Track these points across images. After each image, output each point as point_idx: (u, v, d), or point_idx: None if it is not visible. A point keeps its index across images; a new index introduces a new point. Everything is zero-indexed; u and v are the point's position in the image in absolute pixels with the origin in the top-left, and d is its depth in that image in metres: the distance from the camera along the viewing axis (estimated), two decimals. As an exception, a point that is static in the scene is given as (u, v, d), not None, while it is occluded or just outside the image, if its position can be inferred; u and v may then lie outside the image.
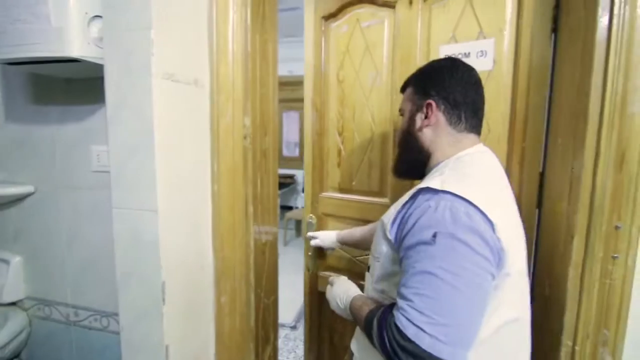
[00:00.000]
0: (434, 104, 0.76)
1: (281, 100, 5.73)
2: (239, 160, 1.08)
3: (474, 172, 0.68)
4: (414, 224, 0.62)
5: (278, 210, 1.39)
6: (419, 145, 0.79)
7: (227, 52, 1.07)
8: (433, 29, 1.24)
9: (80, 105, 1.24)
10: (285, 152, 6.11)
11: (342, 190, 1.51)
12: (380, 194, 1.42)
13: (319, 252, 1.58)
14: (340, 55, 1.46)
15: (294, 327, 2.78)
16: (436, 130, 0.76)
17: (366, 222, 1.37)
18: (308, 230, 1.58)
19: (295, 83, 5.77)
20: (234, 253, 1.10)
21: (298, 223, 5.09)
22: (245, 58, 1.10)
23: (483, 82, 0.82)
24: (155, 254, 0.93)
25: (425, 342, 0.55)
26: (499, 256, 0.59)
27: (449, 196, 0.60)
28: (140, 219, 0.94)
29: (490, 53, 1.17)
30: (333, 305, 0.91)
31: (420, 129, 0.78)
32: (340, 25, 1.46)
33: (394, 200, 0.99)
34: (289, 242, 4.67)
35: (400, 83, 0.94)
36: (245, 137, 1.09)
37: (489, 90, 0.91)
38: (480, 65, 1.17)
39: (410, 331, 0.56)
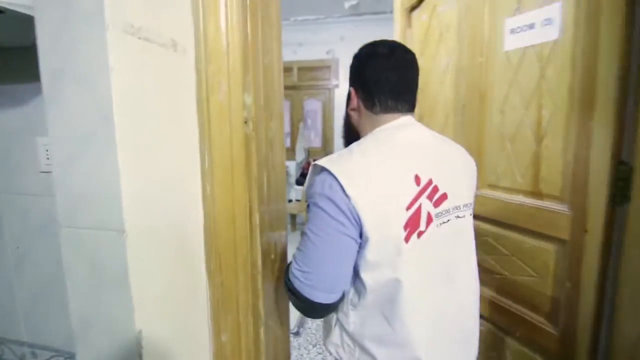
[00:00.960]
0: (353, 91, 0.83)
1: (299, 88, 5.41)
2: (239, 153, 0.78)
3: (363, 147, 0.75)
4: (306, 194, 0.77)
5: (288, 217, 1.10)
6: (350, 125, 0.89)
7: (218, 5, 0.77)
8: (498, 1, 1.12)
9: (17, 84, 0.90)
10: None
11: None
12: None
13: None
14: (420, 43, 1.43)
15: (296, 334, 2.52)
16: (359, 112, 0.83)
17: None
18: None
19: (284, 70, 5.42)
20: (235, 277, 0.81)
21: (293, 217, 4.82)
22: (244, 13, 0.79)
23: (546, 53, 0.86)
24: (124, 294, 0.62)
25: (296, 284, 0.71)
26: (357, 222, 0.66)
27: (324, 172, 0.70)
28: (99, 243, 0.63)
29: (557, 19, 0.98)
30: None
31: (348, 112, 0.87)
32: (420, 14, 1.45)
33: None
34: None
35: (467, 65, 1.02)
36: (246, 122, 0.79)
37: (552, 63, 0.87)
38: (544, 35, 1.01)
39: (290, 276, 0.72)
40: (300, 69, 5.41)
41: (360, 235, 0.67)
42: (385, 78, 0.77)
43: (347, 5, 4.73)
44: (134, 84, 0.64)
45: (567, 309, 1.00)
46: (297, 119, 5.55)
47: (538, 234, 1.05)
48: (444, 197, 0.72)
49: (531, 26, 1.03)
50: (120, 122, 0.61)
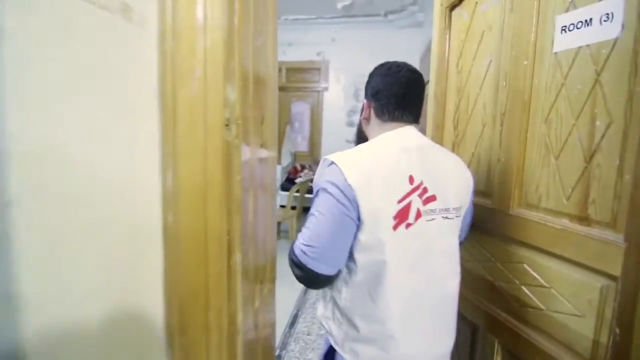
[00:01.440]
0: (366, 103, 0.94)
1: (287, 89, 5.16)
2: (215, 169, 0.55)
3: (368, 147, 0.85)
4: (314, 184, 0.84)
5: (276, 252, 0.87)
6: (361, 131, 1.00)
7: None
8: (549, -4, 0.96)
9: None
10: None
11: None
12: (487, 194, 1.14)
13: None
14: (460, 43, 1.29)
15: (278, 358, 2.27)
16: (369, 121, 0.94)
17: (472, 225, 1.10)
18: None
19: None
20: (205, 339, 0.58)
21: (277, 225, 4.58)
22: (228, -25, 0.57)
23: (603, 55, 0.79)
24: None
25: (303, 258, 0.76)
26: (355, 207, 0.75)
27: (333, 165, 0.78)
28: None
29: (619, 15, 0.79)
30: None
31: (361, 120, 0.99)
32: (461, 13, 1.32)
33: (496, 202, 1.04)
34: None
35: (509, 68, 0.94)
36: (228, 125, 0.55)
37: (611, 66, 0.79)
38: (602, 33, 0.83)
39: (296, 250, 0.77)
40: (289, 69, 5.18)
41: (358, 218, 0.76)
42: (394, 92, 0.87)
43: (339, 5, 4.53)
44: (51, 61, 0.41)
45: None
46: (284, 121, 5.31)
47: (583, 265, 0.86)
48: (432, 198, 0.81)
49: (587, 23, 0.84)
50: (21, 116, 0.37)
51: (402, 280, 0.78)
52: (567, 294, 0.93)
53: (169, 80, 0.55)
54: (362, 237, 0.77)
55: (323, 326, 0.88)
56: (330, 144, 5.22)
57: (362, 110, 0.96)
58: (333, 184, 0.75)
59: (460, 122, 1.27)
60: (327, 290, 0.87)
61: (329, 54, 5.09)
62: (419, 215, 0.78)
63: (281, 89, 5.24)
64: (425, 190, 0.80)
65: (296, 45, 5.13)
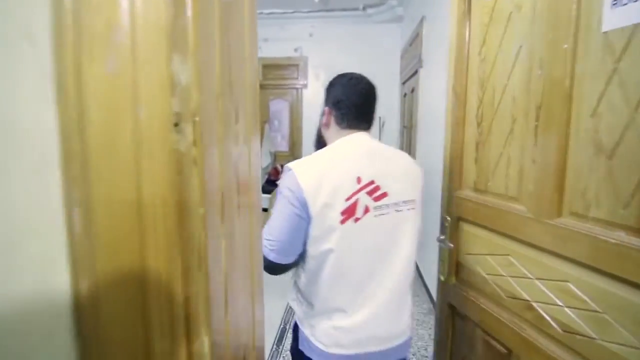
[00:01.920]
0: (327, 110, 1.01)
1: (264, 87, 4.87)
2: (156, 196, 0.32)
3: (324, 153, 0.94)
4: (278, 188, 0.94)
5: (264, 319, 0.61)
6: (321, 136, 1.08)
7: None
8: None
9: None
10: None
11: (477, 190, 1.13)
12: (516, 199, 0.96)
13: (452, 257, 1.21)
14: (483, 28, 1.09)
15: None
16: (329, 127, 1.02)
17: (501, 234, 0.99)
18: (442, 233, 1.24)
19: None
20: None
21: None
22: None
23: None
24: None
25: (264, 250, 0.88)
26: (304, 204, 0.84)
27: (290, 172, 0.88)
28: None
29: None
30: None
31: (321, 126, 1.06)
32: None
33: (532, 210, 0.89)
34: None
35: (546, 52, 0.82)
36: (176, 125, 0.32)
37: None
38: None
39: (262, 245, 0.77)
40: (265, 66, 4.91)
41: (308, 216, 0.86)
42: (354, 102, 0.97)
43: (316, -2, 4.31)
44: None
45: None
46: (263, 119, 5.04)
47: (648, 288, 0.69)
48: (384, 195, 0.90)
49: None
50: None
51: (351, 266, 0.88)
52: (626, 322, 0.75)
53: (68, 50, 0.31)
54: (313, 231, 0.87)
55: (291, 307, 1.01)
56: (311, 142, 5.00)
57: (322, 115, 1.03)
58: (288, 188, 0.86)
59: (484, 117, 1.06)
60: (292, 277, 1.01)
61: (307, 49, 4.85)
62: (367, 210, 0.88)
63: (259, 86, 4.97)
64: (376, 188, 0.89)
65: (272, 40, 4.86)
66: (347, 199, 0.86)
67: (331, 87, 1.02)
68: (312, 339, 0.93)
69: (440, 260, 1.25)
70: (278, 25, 4.82)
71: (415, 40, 3.47)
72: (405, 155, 1.03)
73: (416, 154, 3.32)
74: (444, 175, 1.26)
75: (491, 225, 1.03)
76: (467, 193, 1.16)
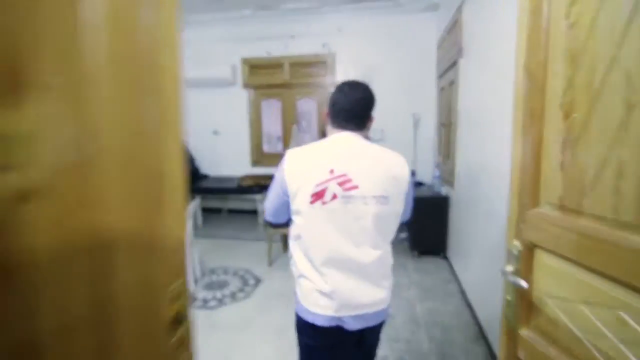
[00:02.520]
0: (325, 112, 1.20)
1: (259, 87, 4.69)
2: None
3: (316, 144, 1.13)
4: None
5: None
6: (324, 132, 1.25)
7: None
8: None
9: None
10: (265, 148, 5.04)
11: (564, 209, 0.78)
12: (634, 228, 0.63)
13: (525, 298, 0.89)
14: None
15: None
16: (327, 125, 1.20)
17: (606, 277, 0.68)
18: (509, 263, 0.92)
19: (273, 66, 4.80)
20: None
21: (285, 237, 4.06)
22: None
23: None
24: None
25: (265, 214, 1.23)
26: (284, 183, 1.07)
27: (285, 155, 1.10)
28: None
29: None
30: None
31: (324, 124, 1.25)
32: None
33: None
34: (274, 261, 3.38)
35: None
36: None
37: None
38: None
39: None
40: (292, 64, 4.69)
41: (287, 193, 1.08)
42: (343, 108, 1.13)
43: (345, -11, 4.02)
44: None
45: None
46: (290, 120, 4.83)
47: None
48: (354, 187, 1.04)
49: None
50: None
51: (318, 238, 1.07)
52: None
53: None
54: (293, 205, 1.09)
55: (291, 271, 1.19)
56: (340, 143, 4.74)
57: (325, 115, 1.22)
58: (279, 170, 1.11)
59: (577, 106, 0.72)
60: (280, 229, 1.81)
61: (336, 45, 4.58)
62: (334, 197, 1.04)
63: (284, 85, 4.76)
64: (347, 180, 1.04)
65: (299, 37, 4.63)
66: (318, 185, 1.04)
67: (333, 91, 1.17)
68: (298, 298, 1.16)
69: (506, 299, 0.94)
70: (304, 21, 4.59)
71: (453, 28, 3.11)
72: (394, 157, 1.13)
73: (456, 155, 2.97)
74: (512, 186, 0.93)
75: (589, 262, 0.72)
76: (546, 212, 0.83)
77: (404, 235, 3.69)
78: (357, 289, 1.08)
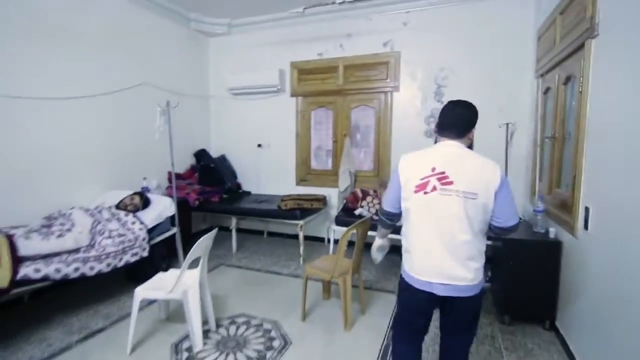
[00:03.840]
0: (434, 125, 2.23)
1: (309, 94, 4.02)
2: None
3: (424, 149, 1.47)
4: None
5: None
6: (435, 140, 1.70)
7: None
8: None
9: None
10: (314, 164, 4.37)
11: None
12: None
13: None
14: None
15: None
16: (436, 135, 1.70)
17: None
18: None
19: (326, 69, 4.18)
20: None
21: (327, 283, 3.18)
22: None
23: None
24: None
25: (382, 204, 1.57)
26: (397, 176, 1.44)
27: (401, 158, 1.48)
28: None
29: None
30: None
31: (434, 135, 2.45)
32: None
33: None
34: (310, 314, 2.50)
35: None
36: None
37: None
38: None
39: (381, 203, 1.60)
40: (347, 67, 3.99)
41: (399, 184, 1.43)
42: (443, 121, 1.46)
43: (414, -29, 3.23)
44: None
45: None
46: (342, 132, 4.11)
47: None
48: (450, 182, 1.33)
49: None
50: None
51: (418, 221, 1.39)
52: None
53: None
54: (402, 194, 1.42)
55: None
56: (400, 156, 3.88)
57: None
58: (395, 171, 1.46)
59: None
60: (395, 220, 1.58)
61: (400, 43, 3.79)
62: (434, 189, 1.34)
63: (337, 92, 4.06)
64: (445, 177, 1.34)
65: (356, 35, 3.93)
66: (422, 179, 1.37)
67: (442, 108, 1.48)
68: (403, 265, 1.49)
69: None
70: (363, 17, 3.88)
71: (572, 2, 2.15)
72: (487, 162, 1.37)
73: (582, 182, 1.97)
74: None
75: None
76: None
77: (486, 285, 2.70)
78: (445, 262, 1.36)
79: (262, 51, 4.36)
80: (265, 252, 3.95)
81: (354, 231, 2.27)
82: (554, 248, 2.27)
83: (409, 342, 1.55)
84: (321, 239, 4.21)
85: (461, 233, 1.32)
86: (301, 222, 3.48)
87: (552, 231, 2.33)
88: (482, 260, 1.40)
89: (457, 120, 1.40)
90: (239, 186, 4.59)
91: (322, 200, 3.85)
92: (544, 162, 2.74)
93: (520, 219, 1.85)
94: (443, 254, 1.33)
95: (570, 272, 2.13)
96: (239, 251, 3.95)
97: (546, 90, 2.73)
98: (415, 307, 1.47)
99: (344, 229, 3.34)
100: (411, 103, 3.80)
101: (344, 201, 3.74)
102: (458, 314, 1.45)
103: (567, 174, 2.31)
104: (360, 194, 3.49)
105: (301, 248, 3.55)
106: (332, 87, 4.08)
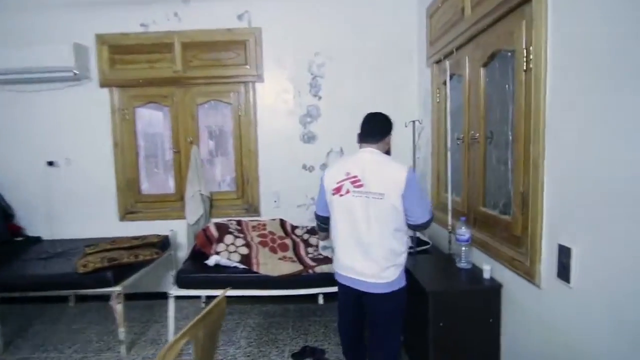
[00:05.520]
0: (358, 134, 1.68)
1: (130, 84, 2.54)
2: None
3: (343, 157, 1.85)
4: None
5: None
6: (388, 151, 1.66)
7: None
8: None
9: None
10: (145, 187, 2.97)
11: None
12: None
13: None
14: None
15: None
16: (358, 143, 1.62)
17: None
18: None
19: (154, 48, 2.56)
20: None
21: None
22: None
23: None
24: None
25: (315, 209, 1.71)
26: (322, 184, 1.57)
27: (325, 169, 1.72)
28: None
29: None
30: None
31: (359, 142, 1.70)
32: None
33: None
34: None
35: None
36: None
37: None
38: None
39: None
40: (187, 45, 2.77)
41: (324, 190, 1.56)
42: (362, 129, 1.57)
43: None
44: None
45: None
46: (187, 138, 2.86)
47: None
48: (361, 185, 1.45)
49: None
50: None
51: (338, 222, 1.52)
52: None
53: None
54: (327, 198, 1.55)
55: None
56: (276, 176, 2.87)
57: None
58: (322, 179, 1.59)
59: None
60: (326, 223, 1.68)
61: (260, 17, 2.79)
62: (347, 192, 1.47)
63: (176, 81, 2.80)
64: (357, 180, 1.45)
65: (198, 3, 2.76)
66: (338, 182, 1.49)
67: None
68: (333, 262, 1.62)
69: None
70: (206, -26, 2.73)
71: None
72: (395, 165, 1.46)
73: (544, 201, 1.30)
74: None
75: None
76: None
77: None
78: (356, 259, 1.48)
79: (44, 15, 2.75)
80: (66, 337, 2.39)
81: (190, 339, 1.09)
82: (490, 295, 1.59)
83: (347, 336, 1.69)
84: (159, 295, 2.81)
85: (370, 232, 1.45)
86: (116, 289, 2.09)
87: (487, 269, 1.65)
88: (396, 260, 1.48)
89: (372, 128, 1.56)
90: (16, 230, 2.82)
91: (158, 243, 2.51)
92: (457, 171, 2.11)
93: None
94: (355, 251, 1.49)
95: (521, 335, 1.45)
96: (15, 345, 2.28)
97: (445, 81, 2.12)
98: (343, 300, 1.64)
99: (193, 292, 2.12)
100: (281, 98, 2.84)
101: (193, 245, 2.50)
102: (372, 310, 1.55)
103: (499, 189, 1.67)
104: (214, 232, 2.30)
105: (120, 331, 2.15)
106: (166, 73, 2.79)
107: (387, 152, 1.57)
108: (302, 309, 2.69)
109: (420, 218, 1.44)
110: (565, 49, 1.16)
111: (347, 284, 1.52)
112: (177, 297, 2.11)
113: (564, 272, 1.19)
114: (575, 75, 1.12)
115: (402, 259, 1.49)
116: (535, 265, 1.33)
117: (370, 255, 1.45)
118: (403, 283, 1.51)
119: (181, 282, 2.09)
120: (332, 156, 2.84)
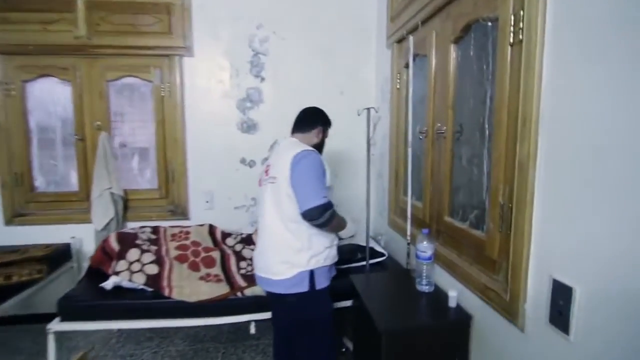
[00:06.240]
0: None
1: (17, 51, 1.94)
2: None
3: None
4: None
5: None
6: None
7: None
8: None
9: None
10: (39, 182, 2.37)
11: None
12: None
13: None
14: None
15: None
16: None
17: None
18: None
19: (49, 4, 2.04)
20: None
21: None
22: None
23: None
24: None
25: None
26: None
27: None
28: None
29: None
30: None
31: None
32: None
33: None
34: None
35: None
36: None
37: None
38: None
39: None
40: (94, 4, 2.20)
41: None
42: (294, 121, 1.53)
43: None
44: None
45: None
46: (94, 122, 2.30)
47: None
48: (269, 172, 1.41)
49: None
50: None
51: (258, 218, 1.47)
52: None
53: None
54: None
55: None
56: (209, 171, 2.39)
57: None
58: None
59: None
60: None
61: (190, -24, 2.27)
62: (261, 182, 1.46)
63: (79, 49, 2.20)
64: (267, 168, 1.44)
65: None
66: (260, 173, 1.49)
67: None
68: None
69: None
70: None
71: None
72: (295, 149, 1.36)
73: (532, 218, 0.98)
74: None
75: None
76: None
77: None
78: (263, 252, 1.41)
79: None
80: None
81: None
82: (457, 332, 1.27)
83: (277, 357, 1.55)
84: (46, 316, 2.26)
85: (264, 218, 1.41)
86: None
87: (453, 297, 1.32)
88: (293, 258, 1.34)
89: (300, 119, 1.52)
90: None
91: (45, 257, 1.95)
92: (419, 171, 1.77)
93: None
94: (264, 244, 1.41)
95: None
96: None
97: (415, 59, 1.76)
98: (271, 311, 1.57)
99: (81, 326, 1.61)
100: (216, 77, 2.35)
101: (101, 250, 1.97)
102: (275, 312, 1.53)
103: (470, 197, 1.34)
104: (115, 246, 1.79)
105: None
106: (65, 39, 2.19)
107: (317, 147, 1.48)
108: (237, 331, 2.27)
109: (304, 204, 1.28)
110: (572, 12, 0.82)
111: (259, 282, 1.47)
112: (63, 333, 1.59)
113: (560, 319, 0.87)
114: (584, 48, 0.77)
115: (303, 259, 1.33)
116: (517, 303, 1.00)
117: (262, 244, 1.42)
118: (306, 288, 1.34)
119: (65, 313, 1.58)
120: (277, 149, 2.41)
